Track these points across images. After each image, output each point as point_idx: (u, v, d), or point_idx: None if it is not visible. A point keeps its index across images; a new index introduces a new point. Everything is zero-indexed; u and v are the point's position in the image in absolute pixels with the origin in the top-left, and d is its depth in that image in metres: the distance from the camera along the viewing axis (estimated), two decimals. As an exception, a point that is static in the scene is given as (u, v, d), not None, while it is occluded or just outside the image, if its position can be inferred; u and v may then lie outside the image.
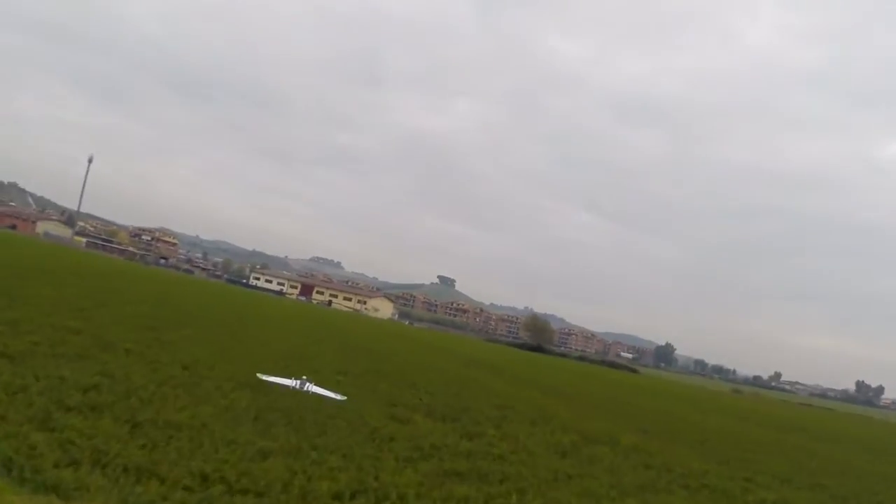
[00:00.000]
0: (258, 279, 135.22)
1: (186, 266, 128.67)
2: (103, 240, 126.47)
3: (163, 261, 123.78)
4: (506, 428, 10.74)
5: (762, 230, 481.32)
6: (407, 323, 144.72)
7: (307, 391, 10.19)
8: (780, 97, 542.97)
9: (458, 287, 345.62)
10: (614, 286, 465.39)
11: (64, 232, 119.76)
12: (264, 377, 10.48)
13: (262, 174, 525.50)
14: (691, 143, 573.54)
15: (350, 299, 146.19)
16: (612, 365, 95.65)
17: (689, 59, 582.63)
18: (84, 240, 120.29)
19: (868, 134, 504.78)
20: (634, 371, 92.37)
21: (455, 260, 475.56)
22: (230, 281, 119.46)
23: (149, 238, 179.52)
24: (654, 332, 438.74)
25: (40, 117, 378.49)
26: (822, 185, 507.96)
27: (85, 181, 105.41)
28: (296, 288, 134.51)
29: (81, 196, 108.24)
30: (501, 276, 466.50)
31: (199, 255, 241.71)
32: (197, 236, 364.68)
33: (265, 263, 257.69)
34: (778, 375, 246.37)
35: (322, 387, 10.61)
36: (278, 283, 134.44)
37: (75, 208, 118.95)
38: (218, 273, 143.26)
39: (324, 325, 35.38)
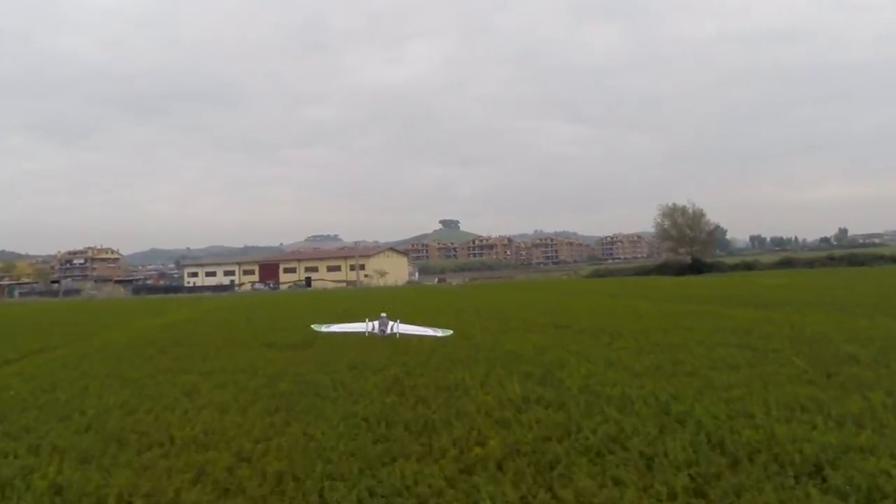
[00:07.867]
0: (195, 275, 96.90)
1: (72, 287, 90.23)
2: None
3: (55, 285, 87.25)
4: None
5: (745, 94, 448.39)
6: (436, 281, 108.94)
7: (393, 333, 8.24)
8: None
9: (462, 227, 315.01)
10: (616, 189, 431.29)
11: None
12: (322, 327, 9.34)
13: (240, 170, 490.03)
14: (653, 26, 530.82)
15: (338, 268, 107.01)
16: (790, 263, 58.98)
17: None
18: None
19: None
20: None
21: (453, 203, 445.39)
22: (142, 290, 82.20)
23: (82, 261, 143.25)
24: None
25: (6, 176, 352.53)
26: (791, 34, 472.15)
27: None
28: (251, 273, 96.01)
29: None
30: (501, 206, 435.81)
31: (172, 266, 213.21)
32: (187, 248, 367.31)
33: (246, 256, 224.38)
34: (844, 232, 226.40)
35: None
36: (225, 273, 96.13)
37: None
38: (147, 285, 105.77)
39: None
